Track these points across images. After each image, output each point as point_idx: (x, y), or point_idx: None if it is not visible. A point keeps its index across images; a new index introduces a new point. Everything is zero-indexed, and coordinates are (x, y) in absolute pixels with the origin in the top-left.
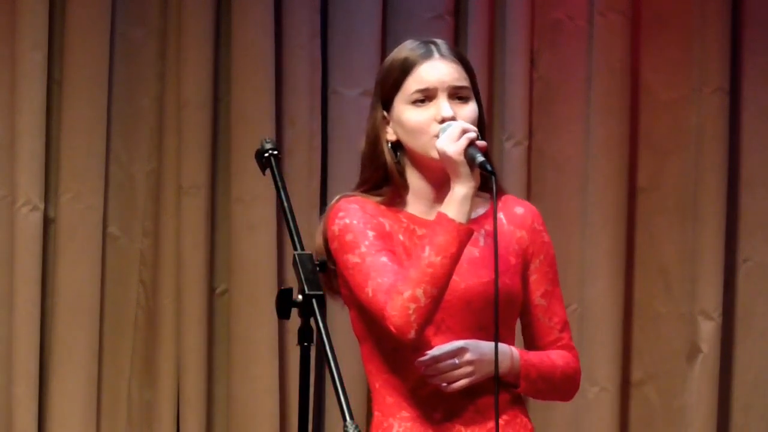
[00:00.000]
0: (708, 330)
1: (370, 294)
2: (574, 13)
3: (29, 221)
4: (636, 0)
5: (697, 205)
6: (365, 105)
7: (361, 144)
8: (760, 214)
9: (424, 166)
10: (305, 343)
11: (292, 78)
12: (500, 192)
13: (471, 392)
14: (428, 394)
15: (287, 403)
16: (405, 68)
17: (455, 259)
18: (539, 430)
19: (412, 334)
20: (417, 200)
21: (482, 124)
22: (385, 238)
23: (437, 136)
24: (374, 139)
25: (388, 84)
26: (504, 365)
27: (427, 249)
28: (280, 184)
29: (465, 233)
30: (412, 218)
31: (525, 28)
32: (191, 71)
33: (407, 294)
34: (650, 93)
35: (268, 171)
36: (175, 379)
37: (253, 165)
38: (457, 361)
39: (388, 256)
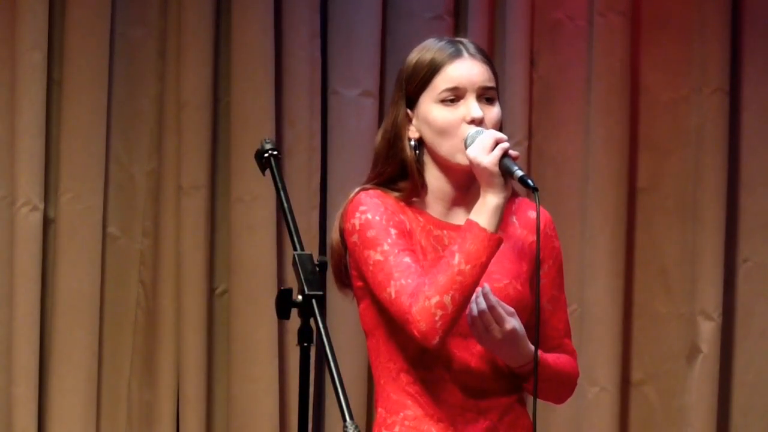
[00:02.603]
0: (708, 330)
1: (393, 295)
2: (574, 14)
3: (29, 221)
4: (636, 0)
5: (697, 205)
6: (365, 105)
7: (377, 139)
8: (760, 214)
9: (445, 166)
10: (305, 344)
11: (292, 78)
12: (515, 195)
13: (475, 393)
14: (433, 394)
15: (287, 403)
16: (434, 66)
17: (484, 268)
18: (539, 430)
19: (436, 341)
20: (435, 201)
21: (501, 125)
22: (406, 236)
23: (463, 140)
24: (394, 136)
25: (415, 82)
26: (528, 365)
27: (457, 256)
28: (280, 184)
29: (495, 243)
30: (430, 219)
31: (525, 29)
32: (191, 71)
33: (435, 300)
34: (650, 93)
35: (268, 171)
36: (175, 379)
37: (253, 165)
38: (493, 326)
39: (411, 256)
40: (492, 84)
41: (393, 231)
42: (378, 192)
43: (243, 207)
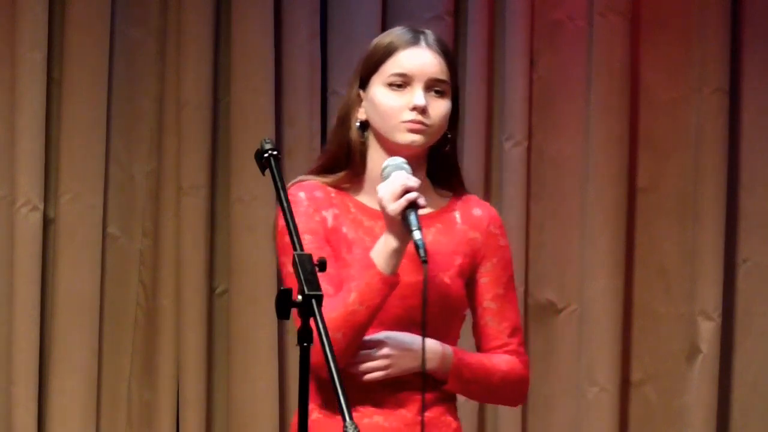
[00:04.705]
0: (708, 330)
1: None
2: (574, 14)
3: (29, 221)
4: (636, 0)
5: (697, 205)
6: None
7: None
8: (760, 214)
9: (389, 149)
10: (305, 344)
11: (292, 78)
12: (464, 192)
13: (393, 384)
14: (348, 384)
15: (287, 404)
16: (388, 50)
17: (377, 310)
18: (539, 430)
19: (326, 372)
20: (373, 187)
21: (455, 122)
22: (322, 240)
23: (405, 122)
24: (344, 116)
25: (369, 64)
26: (433, 363)
27: (353, 295)
28: (279, 184)
29: (389, 285)
30: (361, 207)
31: (525, 29)
32: (191, 71)
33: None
34: (650, 93)
35: (267, 171)
36: (175, 379)
37: (253, 165)
38: (374, 353)
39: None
40: (444, 77)
41: (308, 237)
42: (308, 184)
43: (243, 207)
